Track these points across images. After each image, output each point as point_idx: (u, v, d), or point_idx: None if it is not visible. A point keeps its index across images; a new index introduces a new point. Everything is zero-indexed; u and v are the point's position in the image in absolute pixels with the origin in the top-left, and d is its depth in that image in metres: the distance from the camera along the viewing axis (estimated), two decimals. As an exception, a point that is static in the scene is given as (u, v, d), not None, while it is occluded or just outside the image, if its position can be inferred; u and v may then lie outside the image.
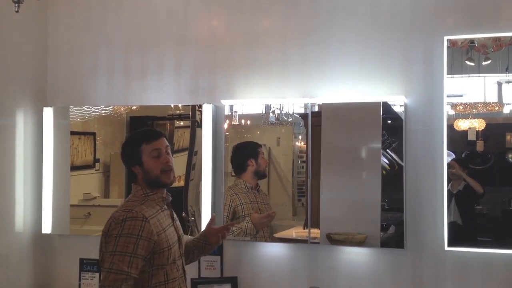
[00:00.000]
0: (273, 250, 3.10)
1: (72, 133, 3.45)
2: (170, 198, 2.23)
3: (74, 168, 3.43)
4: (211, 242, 2.34)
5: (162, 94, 3.33)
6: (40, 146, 3.42)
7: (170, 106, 3.30)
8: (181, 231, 2.25)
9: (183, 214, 3.22)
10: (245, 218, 3.08)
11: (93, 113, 3.43)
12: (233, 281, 3.05)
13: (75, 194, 3.44)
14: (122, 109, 3.37)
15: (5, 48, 3.16)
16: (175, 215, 2.26)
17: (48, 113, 3.43)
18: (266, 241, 3.07)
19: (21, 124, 3.33)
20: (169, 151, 2.16)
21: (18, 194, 3.29)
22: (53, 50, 3.53)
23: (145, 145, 2.10)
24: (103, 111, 3.41)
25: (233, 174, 3.16)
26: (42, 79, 3.50)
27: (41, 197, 3.40)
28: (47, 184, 3.40)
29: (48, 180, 3.40)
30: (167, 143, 2.16)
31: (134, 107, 3.36)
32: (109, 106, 3.39)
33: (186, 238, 2.37)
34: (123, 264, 1.94)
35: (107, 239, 2.01)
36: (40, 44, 3.50)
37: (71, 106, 3.44)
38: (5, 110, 3.20)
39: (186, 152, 3.27)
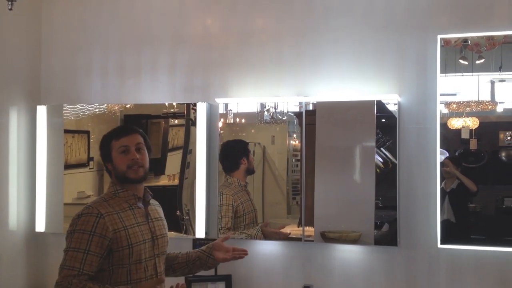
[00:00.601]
0: (267, 248, 3.11)
1: (66, 131, 3.44)
2: (150, 197, 2.17)
3: (68, 166, 3.42)
4: (215, 257, 2.24)
5: (157, 92, 3.32)
6: (34, 144, 3.41)
7: (164, 104, 3.29)
8: (162, 231, 2.17)
9: (178, 213, 3.22)
10: (245, 217, 3.09)
11: (87, 112, 3.42)
12: (227, 279, 3.05)
13: (69, 193, 3.43)
14: (116, 108, 3.36)
15: (-2, 46, 3.15)
16: (159, 215, 2.20)
17: (41, 112, 3.42)
18: (260, 239, 3.07)
19: (15, 123, 3.32)
20: (143, 147, 2.10)
21: (11, 193, 3.28)
22: (47, 48, 3.52)
23: (114, 141, 2.08)
24: (97, 110, 3.40)
25: (224, 172, 3.14)
26: (35, 77, 3.49)
27: (34, 196, 3.39)
28: (41, 183, 3.39)
29: (41, 179, 3.39)
30: (139, 140, 2.10)
31: (128, 106, 3.35)
32: (103, 105, 3.38)
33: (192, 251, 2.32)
34: (76, 261, 1.91)
35: (66, 234, 2.00)
36: (34, 42, 3.49)
37: (65, 105, 3.42)
38: (-2, 108, 3.19)
39: (181, 151, 3.26)
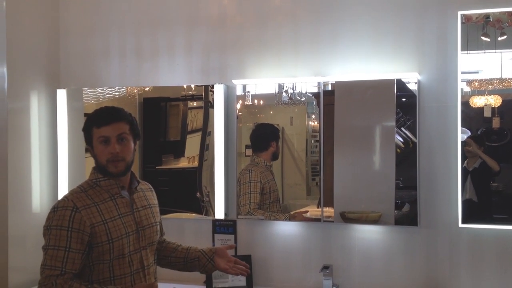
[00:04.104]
0: (286, 229, 3.12)
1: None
2: (137, 184, 2.05)
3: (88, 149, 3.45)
4: (216, 263, 2.14)
5: (174, 74, 3.33)
6: (55, 128, 3.45)
7: (183, 87, 3.29)
8: (150, 221, 2.04)
9: (198, 194, 3.25)
10: (270, 194, 3.12)
11: (107, 95, 3.44)
12: (247, 259, 3.07)
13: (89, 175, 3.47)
14: (135, 91, 3.37)
15: (17, 31, 3.18)
16: (148, 202, 2.08)
17: (61, 95, 3.45)
18: (280, 219, 3.08)
19: (35, 107, 3.36)
20: (126, 137, 1.94)
21: (34, 176, 3.33)
22: (65, 32, 3.55)
23: (95, 129, 1.93)
24: (116, 93, 3.42)
25: (253, 151, 3.15)
26: (55, 61, 3.52)
27: (56, 178, 3.45)
28: (63, 166, 3.44)
29: (63, 162, 3.44)
30: (123, 128, 1.93)
31: (147, 89, 3.37)
32: (123, 88, 3.40)
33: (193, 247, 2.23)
34: (57, 260, 1.80)
35: (43, 231, 1.89)
36: (52, 26, 3.51)
37: (85, 88, 3.45)
38: (19, 93, 3.23)
39: (200, 133, 3.27)
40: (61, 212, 1.86)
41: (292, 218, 3.06)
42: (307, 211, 3.06)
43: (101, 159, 1.94)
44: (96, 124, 1.94)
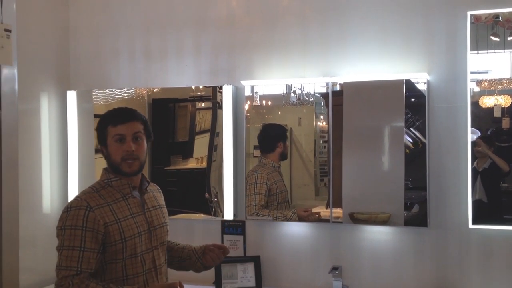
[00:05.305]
0: (295, 230, 3.12)
1: (96, 116, 3.49)
2: (147, 184, 2.07)
3: (99, 150, 3.44)
4: (204, 260, 2.15)
5: (183, 75, 3.34)
6: (65, 129, 3.47)
7: (191, 87, 3.30)
8: (160, 221, 2.07)
9: (206, 195, 3.25)
10: (278, 195, 3.12)
11: (116, 96, 3.46)
12: (256, 260, 3.08)
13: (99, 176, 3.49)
14: (144, 92, 3.38)
15: (27, 32, 3.20)
16: (158, 202, 2.10)
17: (71, 97, 3.48)
18: (288, 220, 3.08)
19: (46, 108, 3.38)
20: (141, 136, 1.97)
21: (44, 177, 3.35)
22: (75, 34, 3.57)
23: (111, 127, 1.95)
24: (125, 94, 3.44)
25: (260, 152, 3.16)
26: (64, 62, 3.55)
27: (67, 179, 3.47)
28: (73, 167, 3.46)
29: (73, 163, 3.46)
30: (138, 128, 1.97)
31: (156, 90, 3.38)
32: (132, 89, 3.41)
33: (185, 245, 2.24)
34: (72, 260, 1.80)
35: (56, 231, 1.89)
36: (62, 28, 3.53)
37: (94, 89, 3.47)
38: (29, 94, 3.25)
39: (208, 134, 3.28)
40: (75, 212, 1.86)
41: (301, 218, 3.05)
42: (308, 210, 3.05)
43: (116, 157, 1.95)
44: (112, 122, 1.96)
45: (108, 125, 1.97)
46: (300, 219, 3.07)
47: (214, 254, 2.16)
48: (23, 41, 3.12)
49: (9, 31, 2.76)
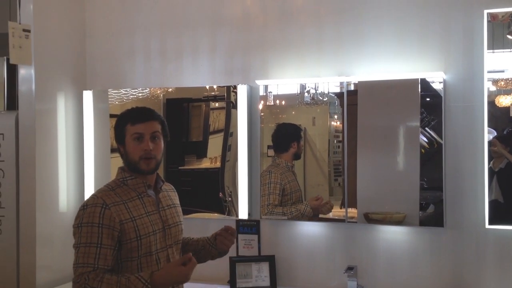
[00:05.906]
0: (310, 229, 3.11)
1: (112, 116, 3.52)
2: (162, 183, 2.09)
3: (114, 150, 3.49)
4: (217, 246, 2.19)
5: (198, 75, 3.35)
6: (81, 129, 3.51)
7: (205, 87, 3.31)
8: (175, 219, 2.09)
9: (220, 195, 3.26)
10: (292, 195, 3.12)
11: (131, 96, 3.48)
12: (271, 259, 3.08)
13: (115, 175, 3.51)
14: (158, 92, 3.40)
15: (44, 33, 3.24)
16: (172, 201, 2.13)
17: (87, 97, 3.51)
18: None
19: (62, 108, 3.42)
20: (159, 136, 2.00)
21: (61, 176, 3.39)
22: (91, 34, 3.60)
23: (129, 126, 1.97)
24: (140, 94, 3.46)
25: (274, 152, 3.16)
26: (81, 63, 3.58)
27: (83, 179, 3.50)
28: (89, 166, 3.50)
29: (89, 162, 3.49)
30: (156, 127, 2.00)
31: (170, 89, 3.40)
32: (146, 89, 3.43)
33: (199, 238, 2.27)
34: (89, 257, 1.82)
35: (73, 229, 1.91)
36: (78, 28, 3.57)
37: (109, 89, 3.50)
38: (46, 94, 3.29)
39: (222, 134, 3.29)
40: (91, 209, 1.88)
41: (314, 208, 3.05)
42: (319, 197, 3.04)
43: (134, 156, 1.97)
44: (131, 121, 1.98)
45: (127, 123, 1.99)
46: (314, 209, 3.05)
47: (222, 237, 2.20)
48: (40, 42, 3.17)
49: (28, 31, 2.80)
